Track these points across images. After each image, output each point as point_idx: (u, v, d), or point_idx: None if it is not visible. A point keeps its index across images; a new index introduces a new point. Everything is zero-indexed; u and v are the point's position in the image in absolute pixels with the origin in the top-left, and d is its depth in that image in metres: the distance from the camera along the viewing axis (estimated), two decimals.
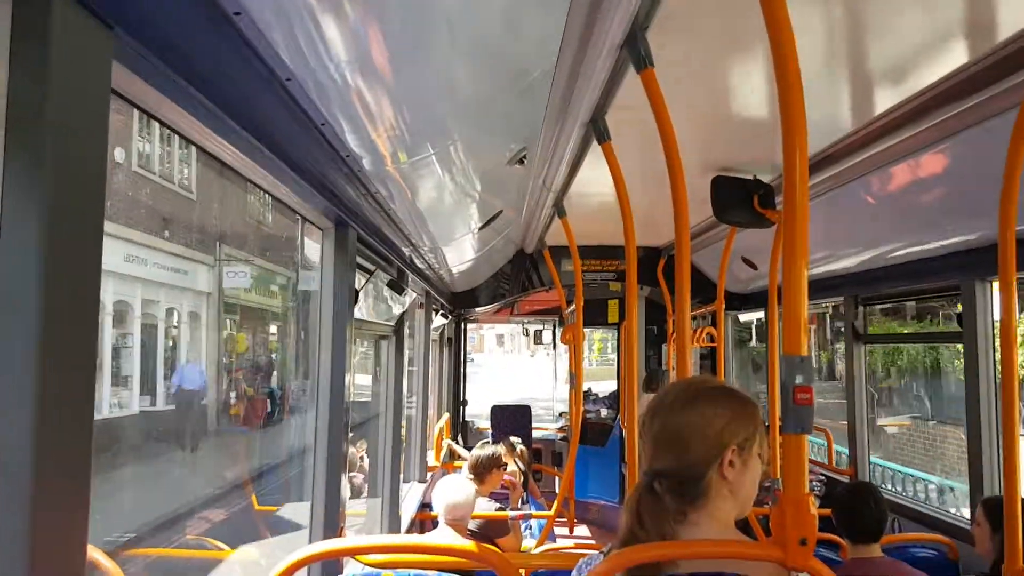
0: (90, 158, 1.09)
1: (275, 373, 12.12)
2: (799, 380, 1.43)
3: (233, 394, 10.64)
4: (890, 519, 3.94)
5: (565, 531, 5.47)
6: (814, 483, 5.27)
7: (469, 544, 2.06)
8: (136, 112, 1.47)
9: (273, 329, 13.07)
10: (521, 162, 3.31)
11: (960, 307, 4.15)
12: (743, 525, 3.21)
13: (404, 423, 4.94)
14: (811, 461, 5.53)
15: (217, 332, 10.87)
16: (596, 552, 1.62)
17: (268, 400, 11.26)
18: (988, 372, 3.94)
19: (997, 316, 3.22)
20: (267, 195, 2.18)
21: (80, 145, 1.06)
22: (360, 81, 1.96)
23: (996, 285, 2.78)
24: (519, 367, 34.55)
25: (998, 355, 3.80)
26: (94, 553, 2.05)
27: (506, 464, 5.36)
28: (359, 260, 3.13)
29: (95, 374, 1.12)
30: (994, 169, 2.38)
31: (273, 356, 12.74)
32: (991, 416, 3.93)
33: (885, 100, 2.89)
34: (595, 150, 2.82)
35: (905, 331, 11.58)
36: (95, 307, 1.10)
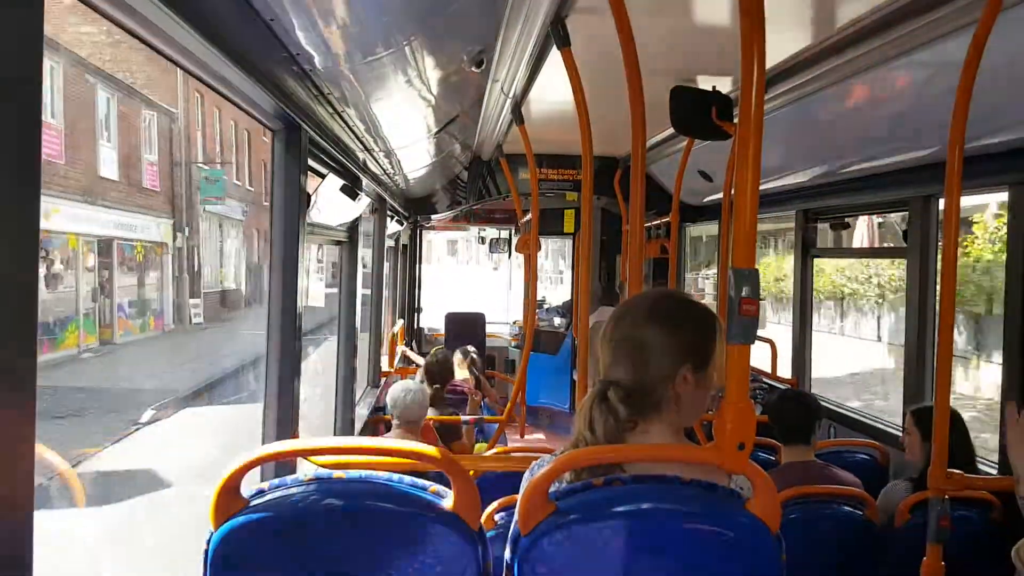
0: (23, 49, 1.03)
1: None
2: (746, 292, 1.47)
3: None
4: (826, 425, 4.11)
5: (516, 436, 5.62)
6: (757, 391, 5.46)
7: (420, 445, 2.11)
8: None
9: None
10: (479, 65, 3.23)
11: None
12: (687, 430, 3.33)
13: (358, 327, 4.96)
14: (755, 370, 5.71)
15: None
16: (548, 455, 1.67)
17: None
18: (928, 286, 4.06)
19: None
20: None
21: (11, 39, 1.01)
22: None
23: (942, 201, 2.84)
24: (477, 282, 24.25)
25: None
26: (44, 452, 2.05)
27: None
28: (311, 163, 3.06)
29: (38, 255, 1.08)
30: (949, 86, 2.39)
31: None
32: (927, 329, 4.07)
33: (844, 14, 2.87)
34: (555, 56, 2.76)
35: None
36: (36, 177, 1.05)
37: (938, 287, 3.71)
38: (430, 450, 1.75)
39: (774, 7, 1.55)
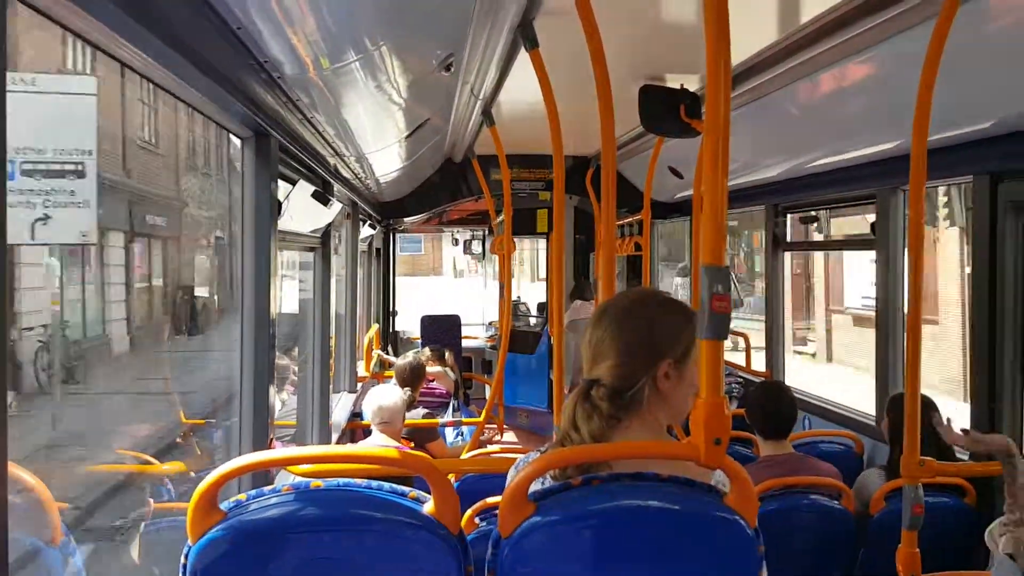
0: None
1: None
2: (717, 289, 1.48)
3: None
4: (801, 417, 4.15)
5: (495, 436, 5.62)
6: (732, 385, 5.49)
7: (396, 451, 2.11)
8: None
9: None
10: (448, 69, 3.23)
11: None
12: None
13: (332, 334, 4.93)
14: (729, 363, 5.75)
15: None
16: (534, 452, 1.68)
17: None
18: (897, 276, 4.12)
19: None
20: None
21: None
22: None
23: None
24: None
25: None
26: (16, 470, 2.02)
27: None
28: (282, 170, 3.05)
29: (5, 270, 1.06)
30: (911, 80, 2.43)
31: None
32: (897, 318, 4.12)
33: (808, 9, 2.90)
34: (523, 58, 2.77)
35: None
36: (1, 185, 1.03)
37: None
38: (409, 456, 1.75)
39: (739, 4, 1.57)
